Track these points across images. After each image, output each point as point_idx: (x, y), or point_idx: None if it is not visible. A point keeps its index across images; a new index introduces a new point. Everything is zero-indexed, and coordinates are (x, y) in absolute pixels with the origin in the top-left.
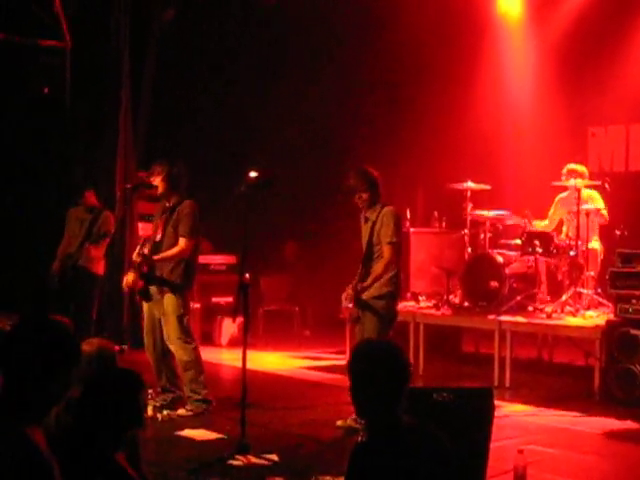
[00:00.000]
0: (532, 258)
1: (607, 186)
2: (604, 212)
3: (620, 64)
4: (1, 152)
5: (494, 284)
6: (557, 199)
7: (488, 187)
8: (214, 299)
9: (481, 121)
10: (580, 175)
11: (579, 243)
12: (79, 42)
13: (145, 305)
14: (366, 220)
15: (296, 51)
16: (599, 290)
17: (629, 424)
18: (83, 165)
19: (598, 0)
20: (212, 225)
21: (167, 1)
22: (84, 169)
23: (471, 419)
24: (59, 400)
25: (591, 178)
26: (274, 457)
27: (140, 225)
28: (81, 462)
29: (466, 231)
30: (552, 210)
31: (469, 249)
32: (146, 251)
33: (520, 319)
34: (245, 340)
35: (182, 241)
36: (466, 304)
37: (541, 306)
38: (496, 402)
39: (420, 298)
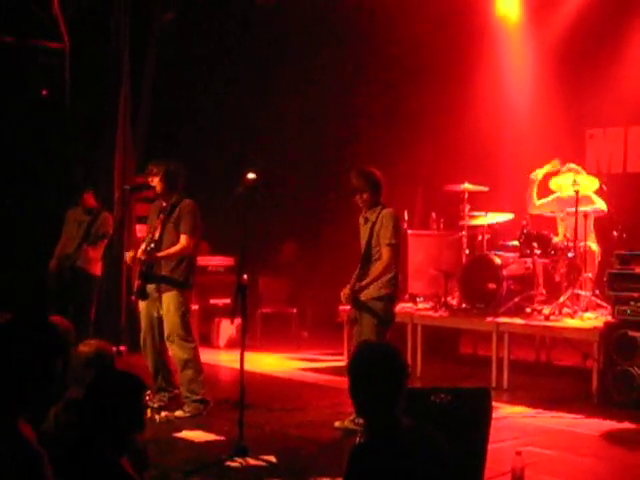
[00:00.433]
0: (530, 260)
1: (604, 187)
2: (597, 202)
3: (619, 66)
4: (1, 152)
5: (492, 286)
6: (554, 196)
7: (486, 189)
8: (212, 300)
9: (480, 122)
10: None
11: (577, 244)
12: (79, 42)
13: (142, 304)
14: (366, 221)
15: (296, 51)
16: (597, 292)
17: (627, 426)
18: (83, 165)
19: (597, 2)
20: (210, 226)
21: (167, 1)
22: (84, 169)
23: (469, 420)
24: (50, 397)
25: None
26: (272, 459)
27: (138, 227)
28: (83, 464)
29: (464, 233)
30: (546, 201)
31: (467, 251)
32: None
33: (518, 321)
34: (243, 341)
35: (184, 238)
36: (464, 306)
37: (539, 308)
38: (494, 404)
39: (418, 299)
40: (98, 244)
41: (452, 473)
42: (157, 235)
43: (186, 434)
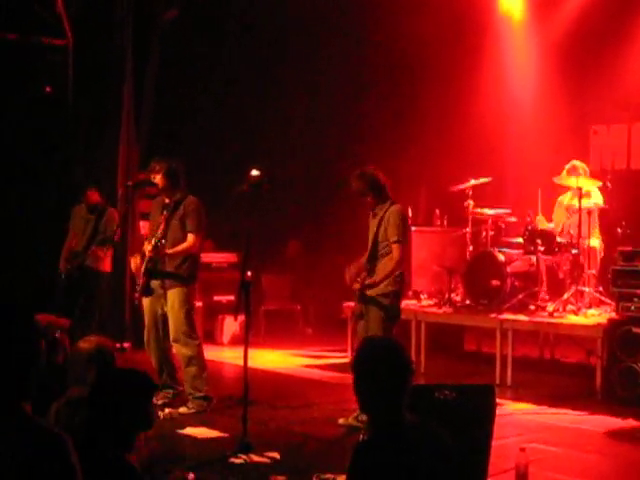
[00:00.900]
0: (534, 256)
1: (609, 184)
2: (594, 197)
3: (623, 62)
4: (1, 151)
5: (496, 282)
6: (558, 200)
7: (488, 179)
8: (216, 297)
9: (484, 119)
10: (582, 173)
11: (580, 241)
12: (81, 40)
13: (146, 301)
14: (374, 215)
15: (296, 50)
16: (600, 288)
17: (631, 422)
18: (85, 163)
19: None
20: (214, 224)
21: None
22: (85, 167)
23: (473, 416)
24: (50, 392)
25: (592, 176)
26: (275, 455)
27: (142, 223)
28: (88, 461)
29: (468, 229)
30: (555, 212)
31: (471, 247)
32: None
33: (522, 317)
34: (247, 338)
35: (191, 237)
36: (468, 302)
37: (543, 304)
38: (498, 400)
39: (422, 296)
40: (106, 245)
41: (456, 469)
42: (161, 231)
43: (190, 431)
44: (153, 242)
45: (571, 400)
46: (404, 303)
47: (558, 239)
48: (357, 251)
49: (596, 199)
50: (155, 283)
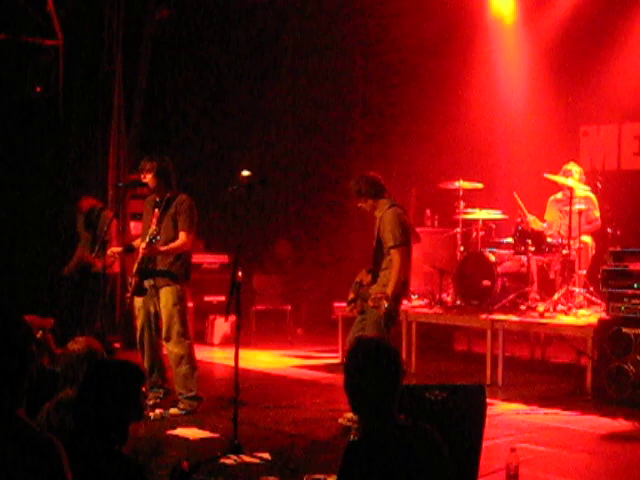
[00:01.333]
0: (524, 257)
1: (599, 185)
2: (596, 214)
3: (612, 64)
4: None
5: (486, 283)
6: (550, 200)
7: (480, 185)
8: (206, 298)
9: (474, 120)
10: (575, 175)
11: (571, 242)
12: (72, 40)
13: (138, 301)
14: (375, 218)
15: (292, 52)
16: (591, 289)
17: (621, 422)
18: (75, 164)
19: (590, 1)
20: (204, 224)
21: None
22: (76, 168)
23: (463, 417)
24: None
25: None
26: (266, 456)
27: (132, 224)
28: (79, 456)
29: (459, 230)
30: (547, 212)
31: (461, 248)
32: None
33: (512, 318)
34: (237, 339)
35: (183, 235)
36: (458, 303)
37: (533, 305)
38: (489, 400)
39: (413, 297)
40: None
41: (447, 470)
42: (154, 229)
43: (181, 431)
44: (147, 240)
45: (561, 400)
46: None
47: (548, 239)
48: (348, 251)
49: (596, 213)
50: (148, 282)
